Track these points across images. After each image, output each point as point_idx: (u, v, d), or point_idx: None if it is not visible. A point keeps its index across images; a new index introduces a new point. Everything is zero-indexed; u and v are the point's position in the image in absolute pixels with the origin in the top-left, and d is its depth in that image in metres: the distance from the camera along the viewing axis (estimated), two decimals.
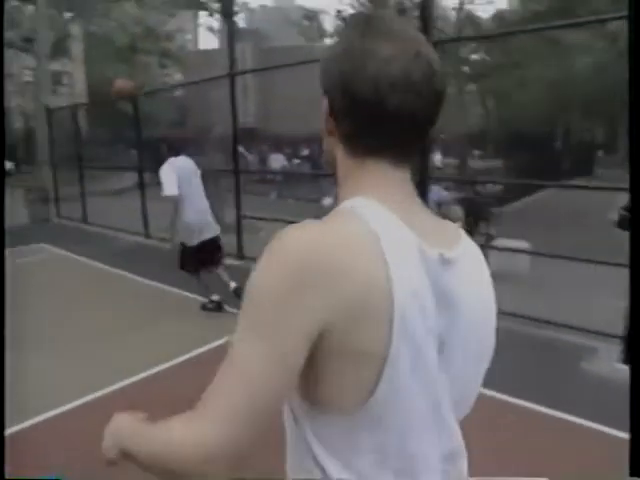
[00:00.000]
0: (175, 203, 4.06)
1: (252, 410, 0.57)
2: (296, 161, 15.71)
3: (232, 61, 5.36)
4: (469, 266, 0.71)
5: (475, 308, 0.70)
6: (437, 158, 21.13)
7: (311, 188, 11.57)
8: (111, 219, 8.10)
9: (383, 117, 0.64)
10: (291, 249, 0.60)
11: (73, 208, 9.48)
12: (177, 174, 4.06)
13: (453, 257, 0.67)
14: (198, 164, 4.38)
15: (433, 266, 0.64)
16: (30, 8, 19.07)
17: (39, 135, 11.82)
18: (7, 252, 5.77)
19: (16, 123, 24.43)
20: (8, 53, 20.41)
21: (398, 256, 0.61)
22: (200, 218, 4.20)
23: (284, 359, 0.58)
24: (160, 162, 4.18)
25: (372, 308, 0.59)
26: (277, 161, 12.18)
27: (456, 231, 0.75)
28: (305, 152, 16.69)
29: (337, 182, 0.73)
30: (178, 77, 28.74)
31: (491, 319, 0.74)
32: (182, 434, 0.58)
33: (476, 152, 23.09)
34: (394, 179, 0.69)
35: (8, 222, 7.28)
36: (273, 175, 11.22)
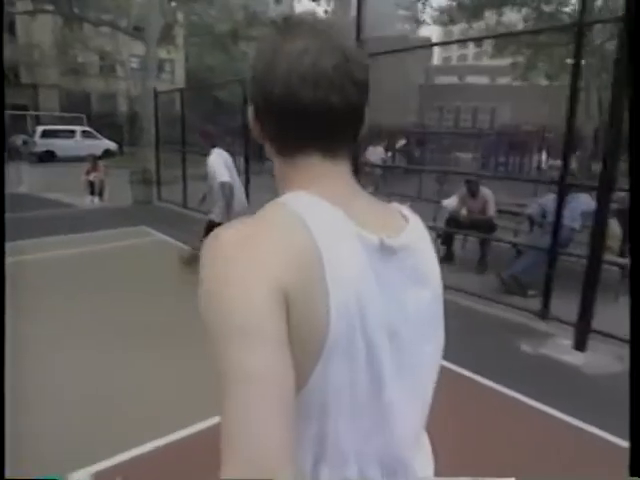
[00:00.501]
0: (230, 189, 4.42)
1: (271, 427, 0.51)
2: (388, 154, 15.03)
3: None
4: (416, 252, 0.70)
5: (423, 295, 0.70)
6: (541, 159, 19.23)
7: (410, 183, 10.82)
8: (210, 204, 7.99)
9: (299, 112, 0.64)
10: (228, 241, 0.60)
11: (173, 191, 9.55)
12: (224, 164, 4.48)
13: (397, 244, 0.66)
14: None
15: (374, 253, 0.63)
16: None
17: (144, 118, 12.16)
18: (110, 233, 5.64)
19: (122, 107, 25.95)
20: (119, 39, 21.60)
21: (331, 243, 0.60)
22: (243, 204, 4.66)
23: (278, 346, 0.54)
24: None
25: (310, 293, 0.58)
26: (376, 154, 11.46)
27: (403, 217, 0.74)
28: (402, 143, 15.93)
29: (277, 183, 0.72)
30: None
31: (439, 304, 0.74)
32: None
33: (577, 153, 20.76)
34: (327, 172, 0.68)
35: (114, 203, 7.28)
36: (371, 168, 10.55)
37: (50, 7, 16.74)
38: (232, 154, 4.76)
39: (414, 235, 0.71)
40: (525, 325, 3.97)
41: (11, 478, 1.55)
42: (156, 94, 10.04)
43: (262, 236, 0.60)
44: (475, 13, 12.89)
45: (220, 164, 4.47)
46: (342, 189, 0.68)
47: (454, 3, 13.19)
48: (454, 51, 56.15)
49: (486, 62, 32.68)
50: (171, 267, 5.26)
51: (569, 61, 16.54)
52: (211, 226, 4.75)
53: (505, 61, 18.22)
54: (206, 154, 4.59)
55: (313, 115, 0.64)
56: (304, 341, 0.58)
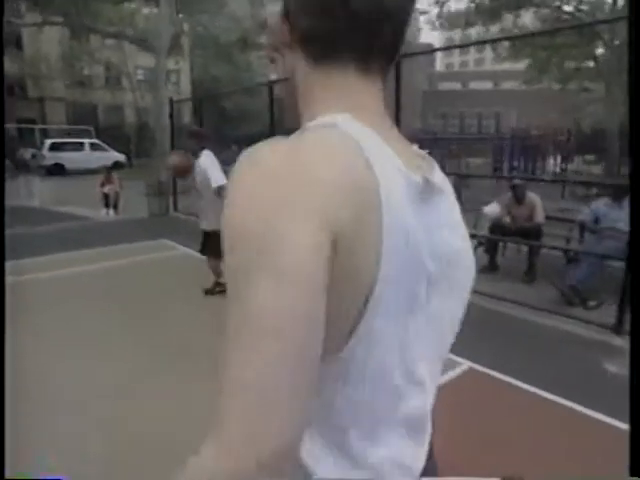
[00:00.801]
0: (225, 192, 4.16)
1: (291, 386, 0.45)
2: None
3: None
4: (448, 196, 0.66)
5: (455, 239, 0.64)
6: (555, 162, 18.93)
7: None
8: None
9: (344, 4, 0.56)
10: (270, 159, 0.50)
11: (189, 201, 9.31)
12: (217, 166, 4.21)
13: (436, 183, 0.61)
14: None
15: (416, 191, 0.56)
16: (145, 10, 19.93)
17: (156, 129, 11.97)
18: (132, 247, 5.32)
19: (129, 118, 25.87)
20: (125, 51, 21.55)
21: (385, 173, 0.53)
22: None
23: (315, 295, 0.46)
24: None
25: (363, 233, 0.50)
26: None
27: (427, 157, 0.69)
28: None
29: (300, 105, 0.62)
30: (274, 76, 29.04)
31: (470, 249, 0.68)
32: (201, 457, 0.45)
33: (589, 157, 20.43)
34: (363, 88, 0.60)
35: (128, 215, 7.00)
36: None
37: (59, 19, 16.67)
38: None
39: (443, 178, 0.67)
40: (597, 340, 3.66)
41: (11, 478, 1.57)
42: (172, 103, 9.84)
43: (315, 156, 0.50)
44: (492, 16, 12.73)
45: (214, 166, 4.18)
46: (377, 113, 0.61)
47: (472, 5, 13.04)
48: (456, 57, 56.31)
49: (488, 67, 32.51)
50: (204, 282, 5.00)
51: (578, 63, 16.45)
52: (206, 237, 4.51)
53: (514, 65, 18.04)
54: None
55: (356, 10, 0.56)
56: (349, 286, 0.50)
